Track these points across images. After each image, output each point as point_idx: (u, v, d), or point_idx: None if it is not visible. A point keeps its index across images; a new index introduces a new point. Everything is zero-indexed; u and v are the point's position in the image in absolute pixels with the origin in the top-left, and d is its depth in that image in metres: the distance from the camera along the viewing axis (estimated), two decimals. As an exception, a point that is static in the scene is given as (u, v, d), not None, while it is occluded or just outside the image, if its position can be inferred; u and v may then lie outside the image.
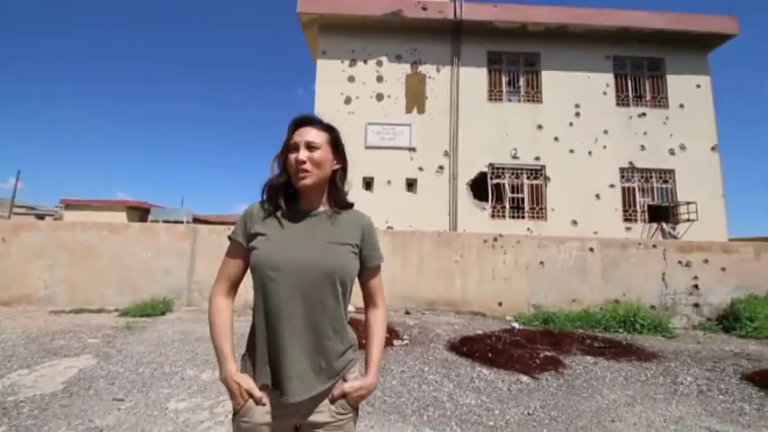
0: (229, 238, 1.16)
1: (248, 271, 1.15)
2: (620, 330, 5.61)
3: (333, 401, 1.08)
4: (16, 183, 24.37)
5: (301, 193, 1.14)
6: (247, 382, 1.04)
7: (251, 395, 1.03)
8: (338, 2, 9.85)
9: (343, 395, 1.08)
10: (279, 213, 1.11)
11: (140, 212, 20.61)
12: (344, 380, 1.11)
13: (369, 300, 1.24)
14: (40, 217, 22.73)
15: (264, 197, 1.15)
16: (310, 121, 1.14)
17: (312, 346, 1.05)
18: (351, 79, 10.01)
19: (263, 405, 1.03)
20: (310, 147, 1.09)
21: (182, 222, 14.92)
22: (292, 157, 1.09)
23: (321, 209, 1.16)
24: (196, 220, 19.57)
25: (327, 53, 10.11)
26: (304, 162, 1.08)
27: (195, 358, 3.92)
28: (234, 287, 1.16)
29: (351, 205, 1.21)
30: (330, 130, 1.16)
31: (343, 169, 1.20)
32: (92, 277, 6.53)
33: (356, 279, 1.17)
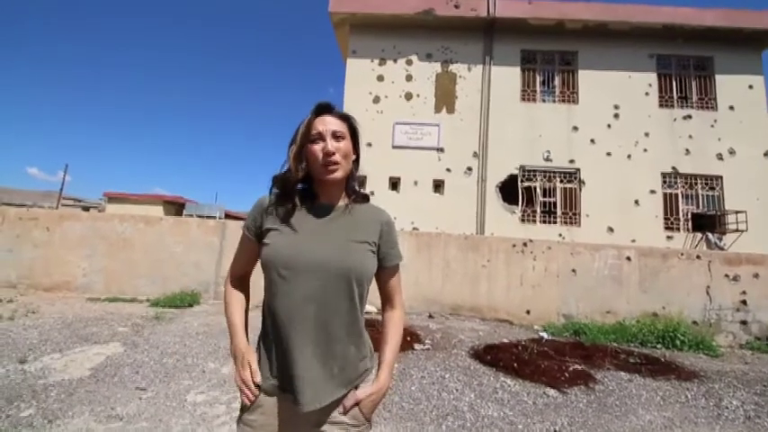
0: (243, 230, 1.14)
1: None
2: (659, 346, 5.25)
3: (345, 412, 1.00)
4: (64, 176, 25.92)
5: (323, 186, 1.06)
6: (252, 357, 1.04)
7: (250, 367, 1.03)
8: (370, 1, 9.83)
9: (356, 403, 1.01)
10: (294, 208, 1.04)
11: (176, 207, 21.45)
12: (356, 388, 1.03)
13: (386, 301, 1.17)
14: (86, 209, 24.11)
15: (277, 191, 1.07)
16: (330, 108, 1.07)
17: (324, 350, 0.98)
18: (380, 78, 9.96)
19: (257, 386, 1.01)
20: (336, 136, 1.03)
21: (214, 218, 15.39)
22: (318, 147, 1.01)
23: (340, 203, 1.09)
24: (227, 216, 20.17)
25: (358, 52, 10.11)
26: (333, 153, 1.00)
27: (217, 351, 3.97)
28: (246, 277, 1.19)
29: (367, 198, 1.14)
30: (348, 119, 1.09)
31: (357, 160, 1.13)
32: (127, 267, 6.79)
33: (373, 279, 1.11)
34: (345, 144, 1.04)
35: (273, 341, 1.00)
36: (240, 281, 1.17)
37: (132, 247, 6.83)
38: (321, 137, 1.01)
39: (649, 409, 3.21)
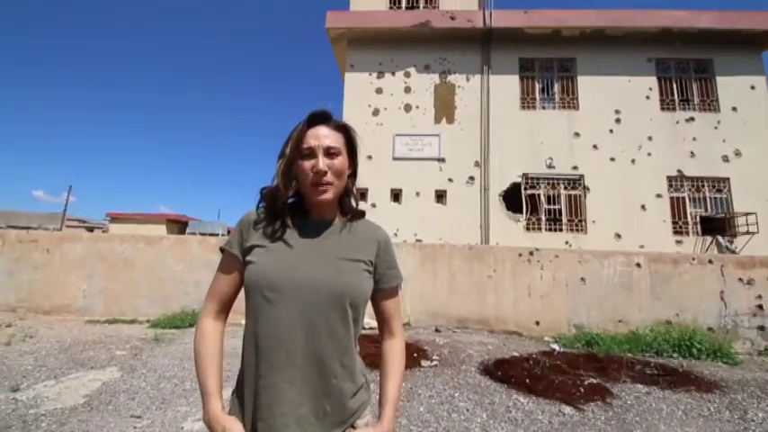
0: (222, 249, 0.98)
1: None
2: (675, 355, 5.05)
3: None
4: (68, 197, 26.12)
5: (314, 204, 0.96)
6: (235, 425, 0.85)
7: None
8: (366, 16, 9.93)
9: None
10: (284, 225, 0.94)
11: (179, 225, 21.47)
12: (353, 427, 0.91)
13: (384, 327, 1.04)
14: (90, 229, 24.14)
15: (263, 208, 0.97)
16: (325, 118, 0.96)
17: (316, 385, 0.86)
18: (379, 91, 9.98)
19: None
20: (330, 153, 0.91)
21: (216, 235, 15.32)
22: (308, 165, 0.90)
23: (334, 220, 0.98)
24: (230, 233, 20.12)
25: (355, 66, 10.15)
26: (325, 173, 0.90)
27: (217, 374, 3.83)
28: (226, 308, 1.00)
29: (363, 214, 1.04)
30: (345, 130, 0.98)
31: (354, 173, 1.02)
32: (127, 288, 6.69)
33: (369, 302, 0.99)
34: (340, 161, 0.93)
35: (254, 374, 0.88)
36: (218, 316, 0.99)
37: (133, 268, 6.75)
38: (313, 153, 0.91)
39: (671, 424, 3.04)
